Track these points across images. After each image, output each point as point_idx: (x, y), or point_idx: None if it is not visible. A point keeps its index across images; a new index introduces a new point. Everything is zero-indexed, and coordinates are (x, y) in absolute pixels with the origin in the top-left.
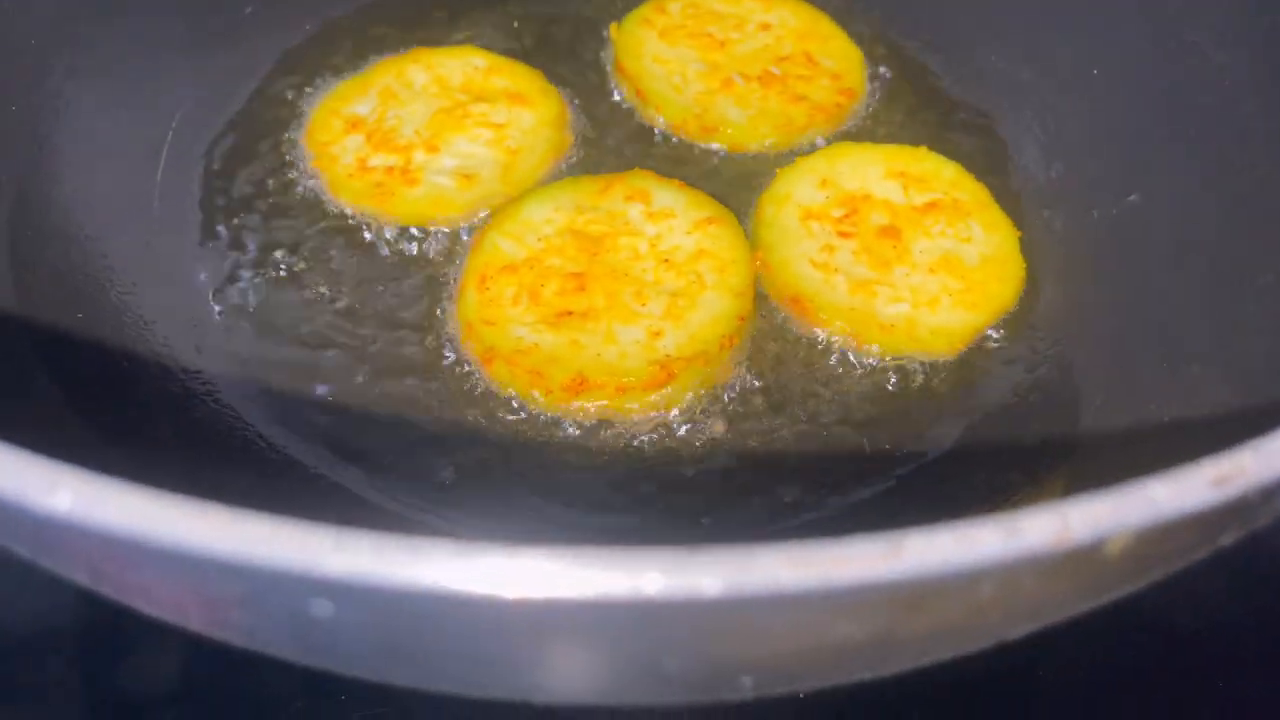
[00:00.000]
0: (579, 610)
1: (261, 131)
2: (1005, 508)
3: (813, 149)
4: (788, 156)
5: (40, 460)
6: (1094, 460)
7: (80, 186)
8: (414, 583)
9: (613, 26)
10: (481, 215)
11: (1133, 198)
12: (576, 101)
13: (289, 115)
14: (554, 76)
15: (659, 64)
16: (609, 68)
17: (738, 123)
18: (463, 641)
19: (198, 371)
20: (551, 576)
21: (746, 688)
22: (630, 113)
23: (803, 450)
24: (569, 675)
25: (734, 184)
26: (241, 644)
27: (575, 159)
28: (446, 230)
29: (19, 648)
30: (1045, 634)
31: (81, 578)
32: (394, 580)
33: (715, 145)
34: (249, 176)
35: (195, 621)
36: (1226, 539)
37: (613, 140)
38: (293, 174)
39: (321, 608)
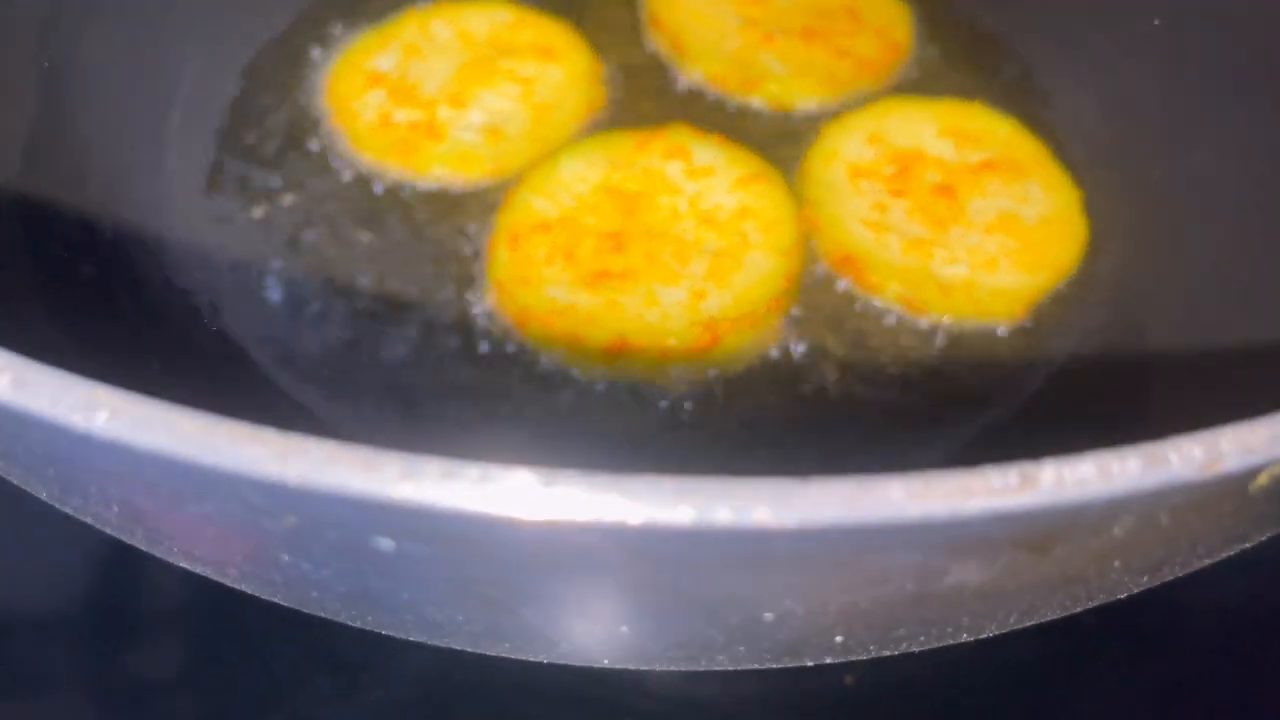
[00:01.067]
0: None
1: (280, 83)
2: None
3: (856, 106)
4: (827, 114)
5: (78, 380)
6: (1169, 426)
7: (93, 136)
8: (486, 510)
9: None
10: (510, 173)
11: (1196, 156)
12: (609, 57)
13: (308, 68)
14: (584, 30)
15: (695, 18)
16: (642, 20)
17: (781, 76)
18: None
19: (217, 329)
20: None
21: (836, 648)
22: (664, 69)
23: (856, 417)
24: (651, 630)
25: (776, 142)
26: (284, 599)
27: (608, 116)
28: (473, 188)
29: (24, 633)
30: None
31: (112, 517)
32: (468, 508)
33: (756, 101)
34: (267, 129)
35: (236, 567)
36: None
37: (647, 96)
38: (312, 129)
39: (383, 543)
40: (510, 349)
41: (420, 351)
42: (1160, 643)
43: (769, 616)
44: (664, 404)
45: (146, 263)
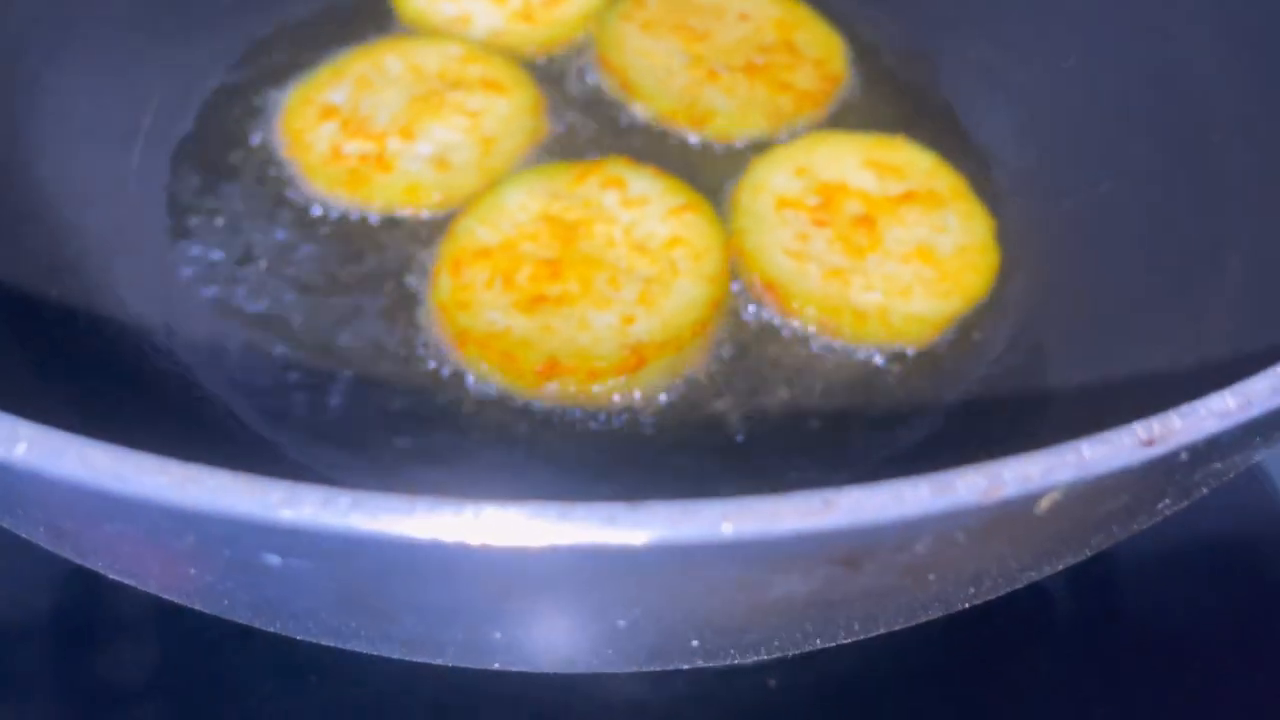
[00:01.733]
0: (536, 559)
1: (237, 118)
2: None
3: (790, 138)
4: (764, 145)
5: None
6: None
7: (57, 168)
8: (359, 529)
9: (594, 19)
10: (457, 203)
11: (1104, 187)
12: (557, 91)
13: (265, 102)
14: (531, 66)
15: (642, 57)
16: (591, 59)
17: (726, 112)
18: (409, 595)
19: (169, 350)
20: (510, 526)
21: (696, 652)
22: (608, 103)
23: (770, 438)
24: (521, 636)
25: (712, 172)
26: (202, 606)
27: (553, 148)
28: (421, 217)
29: None
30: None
31: (41, 536)
32: (341, 528)
33: (693, 135)
34: (224, 162)
35: (155, 581)
36: (1166, 507)
37: (590, 129)
38: (267, 160)
39: (271, 559)
40: (449, 371)
41: (365, 375)
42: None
43: (622, 623)
44: (591, 425)
45: (103, 293)
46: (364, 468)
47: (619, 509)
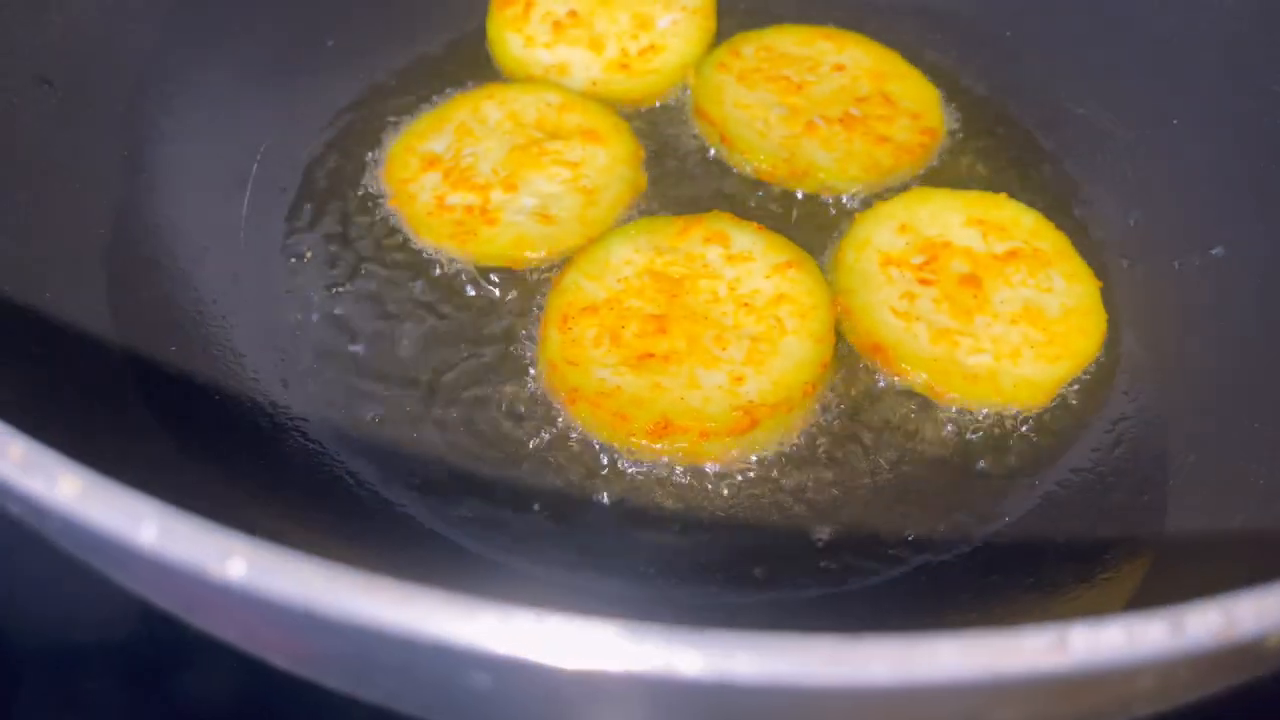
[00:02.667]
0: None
1: (343, 166)
2: (1098, 574)
3: (889, 192)
4: (861, 199)
5: (214, 528)
6: (1188, 524)
7: (172, 217)
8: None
9: (690, 71)
10: (559, 255)
11: (1216, 250)
12: (652, 142)
13: (369, 150)
14: (628, 116)
15: (741, 109)
16: (685, 108)
17: (826, 166)
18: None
19: (285, 405)
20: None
21: None
22: (703, 152)
23: (878, 505)
24: None
25: (811, 227)
26: (378, 701)
27: (651, 200)
28: (524, 270)
29: (74, 659)
30: None
31: (232, 638)
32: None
33: (791, 188)
34: (332, 211)
35: (336, 682)
36: None
37: (689, 182)
38: (373, 210)
39: (480, 680)
40: (556, 429)
41: (476, 432)
42: None
43: None
44: (705, 487)
45: (220, 346)
46: (479, 528)
47: (851, 645)
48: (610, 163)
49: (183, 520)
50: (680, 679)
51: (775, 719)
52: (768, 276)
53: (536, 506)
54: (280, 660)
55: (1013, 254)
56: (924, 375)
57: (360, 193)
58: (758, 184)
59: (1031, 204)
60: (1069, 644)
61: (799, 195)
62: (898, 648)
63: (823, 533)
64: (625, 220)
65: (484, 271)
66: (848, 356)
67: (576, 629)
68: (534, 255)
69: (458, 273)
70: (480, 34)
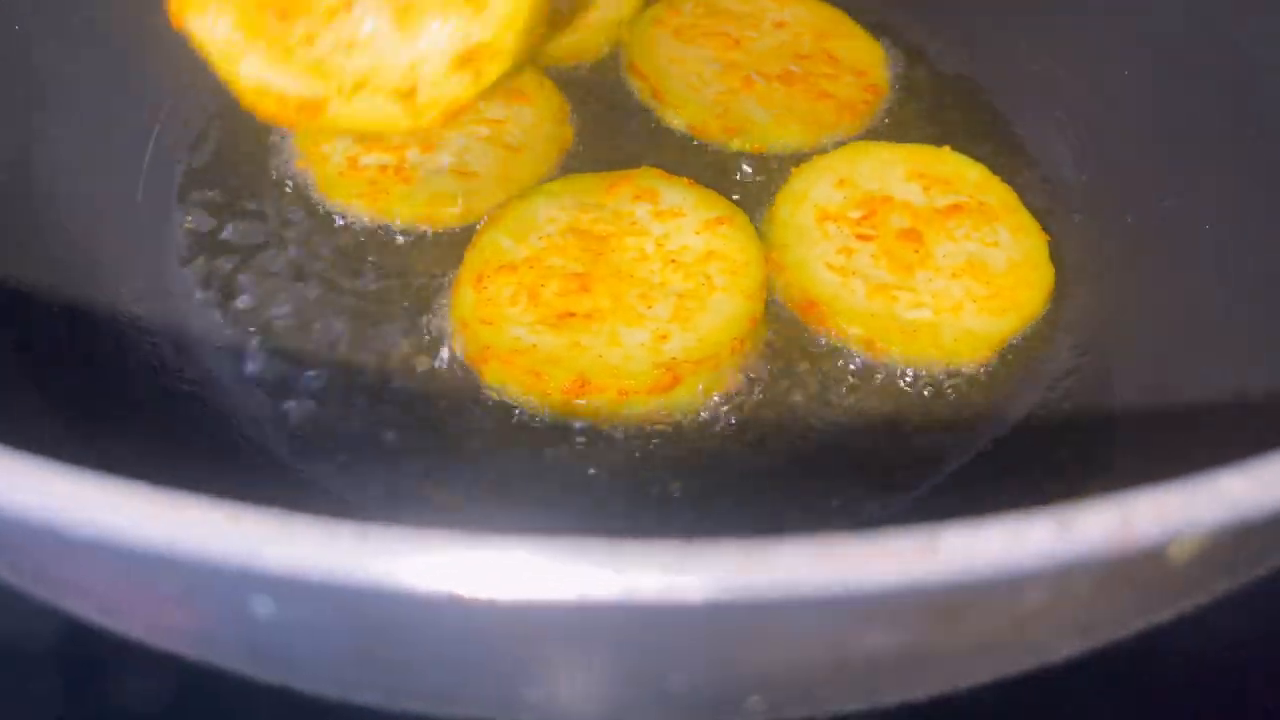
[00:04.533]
0: (563, 613)
1: (250, 125)
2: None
3: (829, 149)
4: (801, 157)
5: None
6: (1135, 481)
7: (66, 179)
8: (366, 578)
9: (624, 26)
10: (480, 215)
11: (1167, 202)
12: (585, 98)
13: None
14: (557, 73)
15: (675, 64)
16: (620, 64)
17: (762, 122)
18: (428, 647)
19: (179, 369)
20: (535, 572)
21: (757, 710)
22: (636, 110)
23: (812, 463)
24: (553, 691)
25: (748, 184)
26: (193, 654)
27: (580, 158)
28: (443, 230)
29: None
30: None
31: (8, 575)
32: (342, 575)
33: (727, 145)
34: (236, 171)
35: (139, 627)
36: None
37: (619, 139)
38: (281, 173)
39: (263, 605)
40: (465, 390)
41: (381, 392)
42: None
43: (671, 681)
44: (619, 445)
45: (113, 308)
46: (381, 489)
47: (674, 553)
48: (535, 120)
49: None
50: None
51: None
52: (698, 233)
53: (436, 470)
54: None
55: (956, 208)
56: (859, 330)
57: (269, 156)
58: (694, 143)
59: (979, 158)
60: (940, 547)
61: (735, 154)
62: (732, 552)
63: (753, 493)
64: (551, 178)
65: (400, 232)
66: (782, 316)
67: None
68: (451, 211)
69: (371, 234)
70: None
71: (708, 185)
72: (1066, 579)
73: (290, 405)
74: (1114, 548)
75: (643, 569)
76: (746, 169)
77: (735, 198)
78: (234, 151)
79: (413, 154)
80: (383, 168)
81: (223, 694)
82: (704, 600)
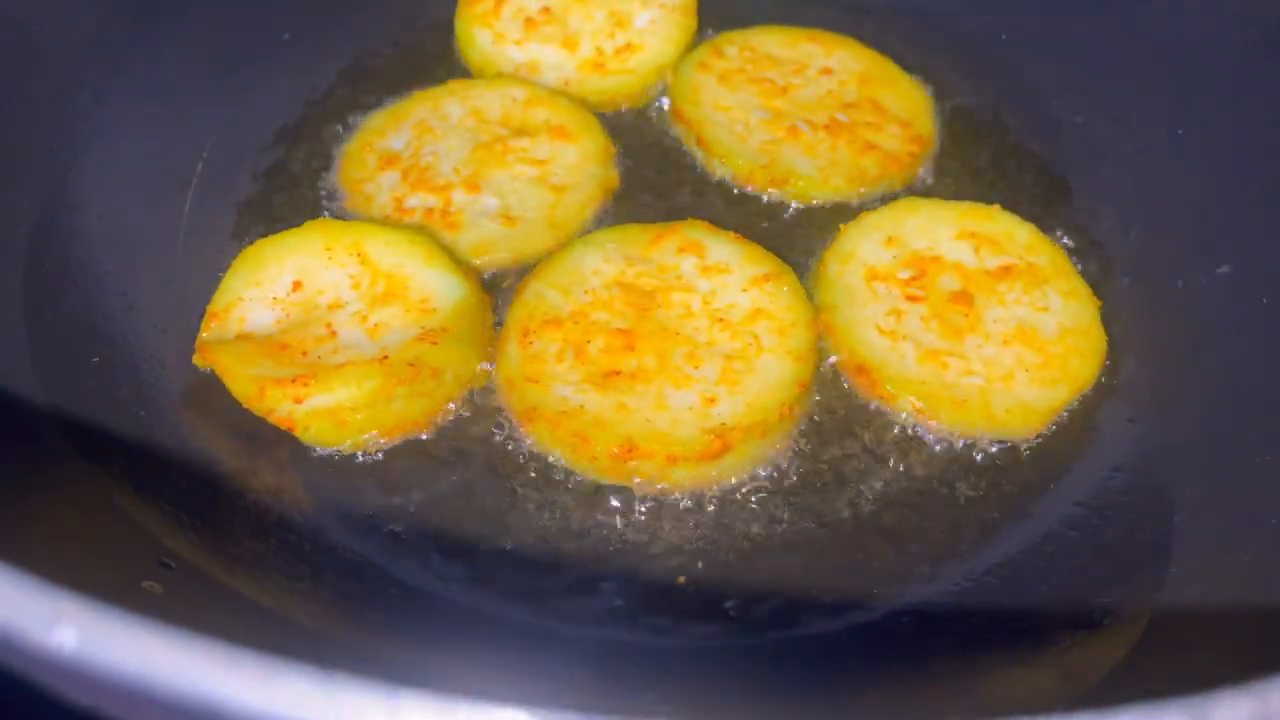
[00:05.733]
0: None
1: (294, 165)
2: (1097, 618)
3: (877, 201)
4: (846, 207)
5: (42, 589)
6: (1194, 565)
7: (104, 218)
8: None
9: (669, 71)
10: (527, 259)
11: (1223, 268)
12: (628, 141)
13: (322, 148)
14: (601, 116)
15: (720, 111)
16: (662, 110)
17: (807, 174)
18: None
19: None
20: None
21: None
22: (680, 155)
23: (862, 539)
24: None
25: (792, 235)
26: None
27: (624, 205)
28: (488, 273)
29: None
30: None
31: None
32: None
33: (771, 195)
34: (281, 213)
35: None
36: None
37: (663, 183)
38: (326, 212)
39: None
40: (508, 448)
41: (427, 449)
42: None
43: None
44: (667, 515)
45: (149, 358)
46: (415, 559)
47: None
48: (580, 160)
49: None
50: None
51: None
52: (745, 290)
53: (499, 538)
54: None
55: (1006, 270)
56: (911, 399)
57: (315, 193)
58: (736, 190)
59: (1026, 217)
60: None
61: (779, 203)
62: None
63: (799, 569)
64: (596, 222)
65: None
66: (828, 377)
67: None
68: (497, 260)
69: None
70: (448, 29)
71: (752, 234)
72: None
73: (308, 453)
74: None
75: None
76: (791, 218)
77: (777, 242)
78: (279, 192)
79: (459, 195)
80: (429, 210)
81: None
82: None
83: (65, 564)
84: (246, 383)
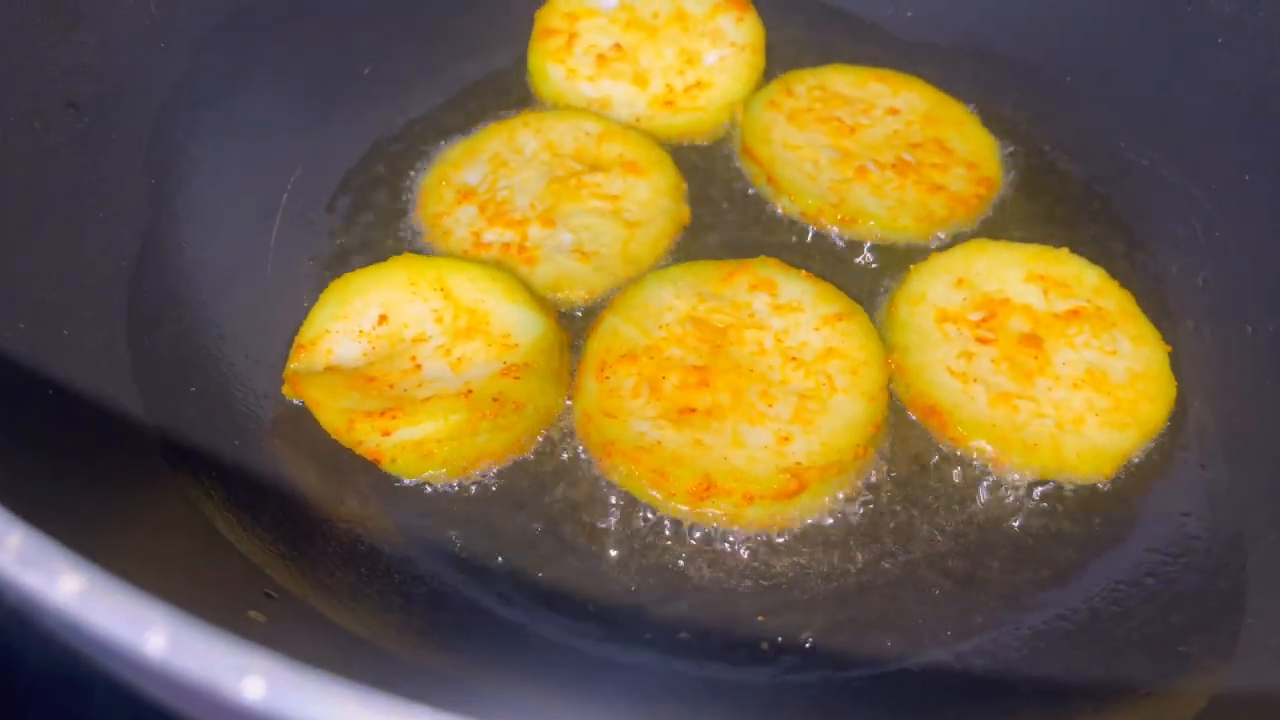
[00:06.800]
0: None
1: (373, 197)
2: (1172, 672)
3: (946, 241)
4: (914, 247)
5: (231, 640)
6: (1271, 613)
7: (197, 250)
8: None
9: (738, 108)
10: (602, 293)
11: None
12: (699, 178)
13: (401, 180)
14: (672, 151)
15: (789, 149)
16: (732, 147)
17: (875, 214)
18: None
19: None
20: None
21: None
22: (750, 192)
23: (933, 580)
24: None
25: (858, 276)
26: None
27: (694, 241)
28: (563, 307)
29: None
30: None
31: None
32: None
33: (840, 233)
34: (362, 246)
35: None
36: None
37: (733, 220)
38: (405, 245)
39: None
40: (592, 481)
41: (508, 481)
42: None
43: None
44: (743, 553)
45: (242, 380)
46: (499, 586)
47: None
48: (652, 195)
49: (196, 630)
50: None
51: None
52: (817, 329)
53: (576, 571)
54: None
55: (1075, 313)
56: (982, 441)
57: (393, 226)
58: (805, 228)
59: (1093, 260)
60: None
61: (849, 242)
62: None
63: (874, 608)
64: (668, 257)
65: None
66: (899, 416)
67: None
68: (575, 295)
69: None
70: (521, 65)
71: (822, 273)
72: None
73: (395, 481)
74: None
75: None
76: (861, 258)
77: (846, 281)
78: (360, 225)
79: (534, 230)
80: (505, 245)
81: None
82: None
83: (182, 592)
84: (336, 415)
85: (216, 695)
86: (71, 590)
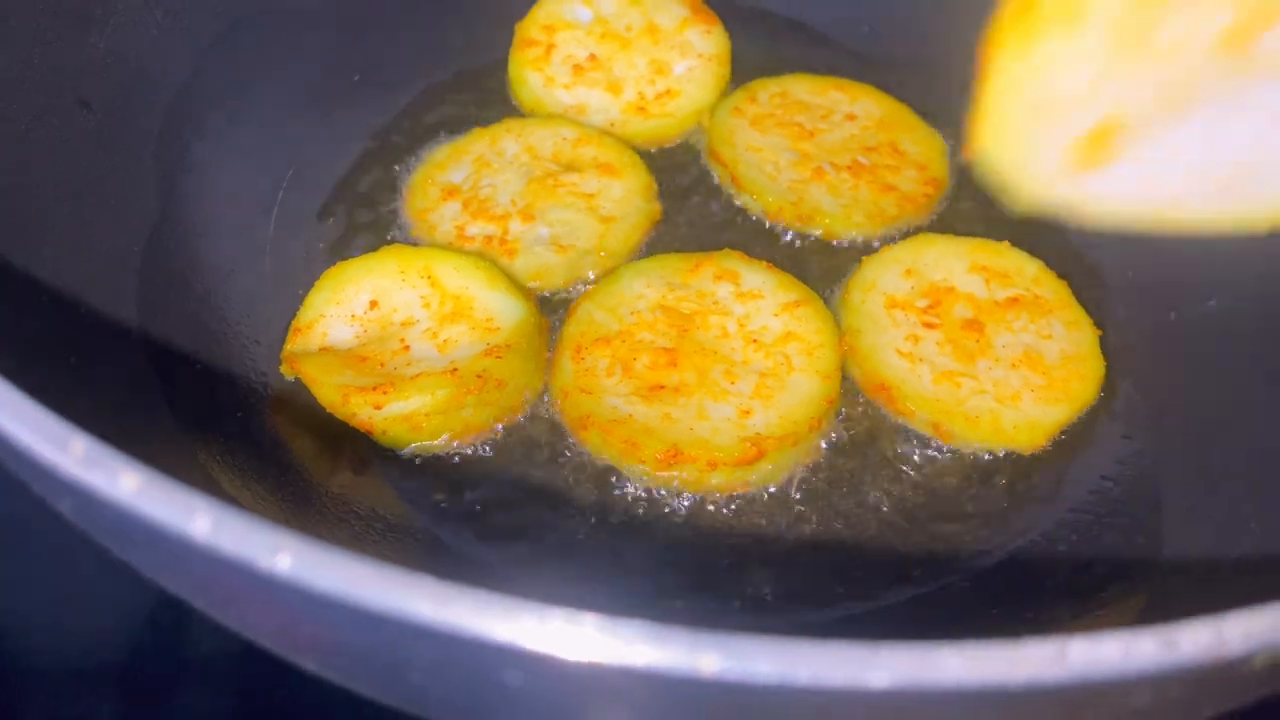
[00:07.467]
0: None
1: (364, 195)
2: (1094, 610)
3: (896, 237)
4: (866, 243)
5: (265, 524)
6: (1182, 565)
7: (201, 240)
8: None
9: (705, 114)
10: (577, 284)
11: (1211, 303)
12: (665, 179)
13: (390, 179)
14: (643, 155)
15: (752, 152)
16: (699, 150)
17: (831, 212)
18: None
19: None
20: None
21: None
22: (716, 192)
23: (881, 536)
24: None
25: (817, 267)
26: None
27: (664, 237)
28: (542, 296)
29: (77, 679)
30: None
31: (268, 635)
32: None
33: (798, 231)
34: (353, 240)
35: (363, 684)
36: None
37: (700, 218)
38: (394, 238)
39: (512, 678)
40: (569, 451)
41: (491, 451)
42: None
43: None
44: (708, 509)
45: (242, 358)
46: (476, 543)
47: (864, 652)
48: (625, 194)
49: (235, 515)
50: (701, 678)
51: None
52: (776, 314)
53: (556, 526)
54: (312, 662)
55: (1014, 300)
56: (927, 415)
57: (382, 221)
58: (767, 224)
59: (1033, 253)
60: (1068, 656)
61: (807, 237)
62: (907, 656)
63: (825, 560)
64: (641, 251)
65: None
66: (852, 393)
67: (607, 628)
68: (553, 283)
69: None
70: (502, 74)
71: (781, 265)
72: (1166, 682)
73: (397, 458)
74: (1209, 660)
75: (807, 664)
76: (817, 251)
77: (804, 272)
78: (351, 220)
79: (515, 224)
80: (488, 238)
81: None
82: (886, 687)
83: None
84: (331, 391)
85: (252, 569)
86: (130, 487)
